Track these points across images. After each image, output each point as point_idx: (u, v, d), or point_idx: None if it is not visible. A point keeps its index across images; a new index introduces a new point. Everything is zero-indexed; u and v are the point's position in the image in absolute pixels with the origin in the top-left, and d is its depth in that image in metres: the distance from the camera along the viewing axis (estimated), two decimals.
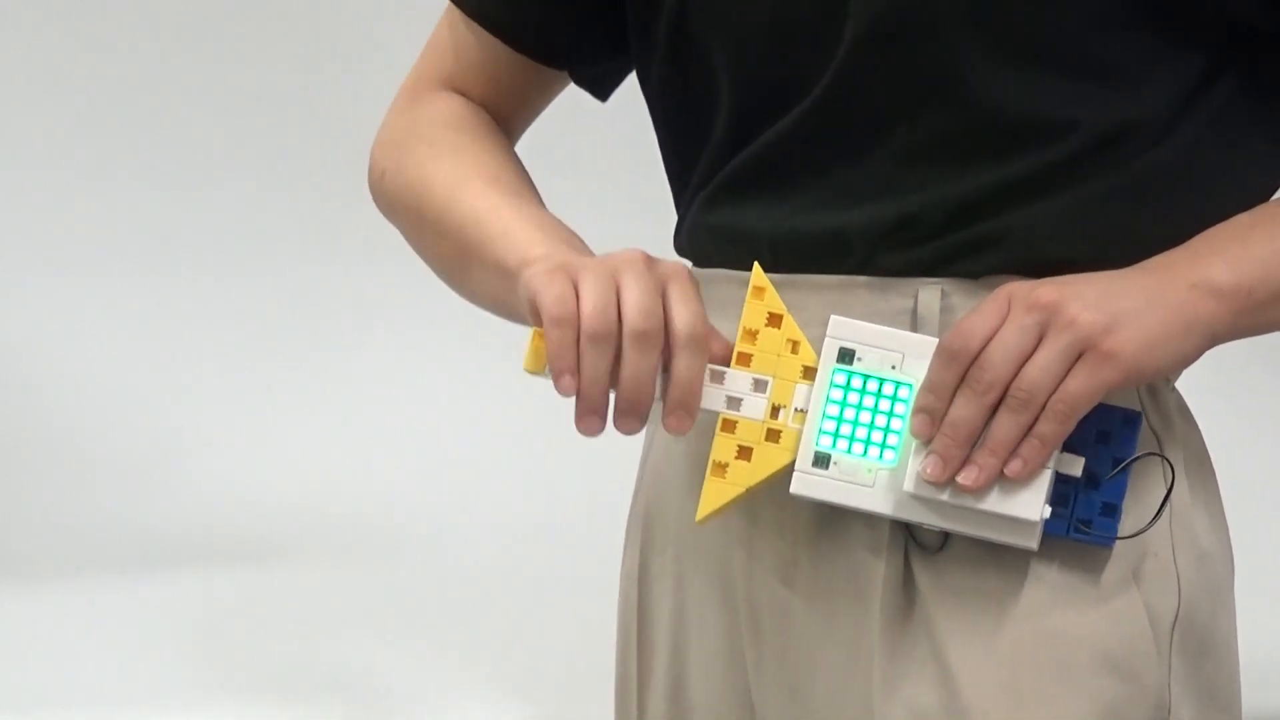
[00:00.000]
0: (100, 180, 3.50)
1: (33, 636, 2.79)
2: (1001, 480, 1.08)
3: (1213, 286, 1.11)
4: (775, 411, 1.12)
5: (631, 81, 1.32)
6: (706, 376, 1.11)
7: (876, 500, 1.11)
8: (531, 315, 1.11)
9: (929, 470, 1.09)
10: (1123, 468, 1.10)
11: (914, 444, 1.09)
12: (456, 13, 1.33)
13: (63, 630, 2.81)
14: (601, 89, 1.35)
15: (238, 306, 3.50)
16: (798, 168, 1.18)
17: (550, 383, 1.10)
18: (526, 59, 1.32)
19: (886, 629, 1.15)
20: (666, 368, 1.10)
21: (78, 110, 3.50)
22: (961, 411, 1.08)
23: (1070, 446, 1.09)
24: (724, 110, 1.21)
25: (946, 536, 1.14)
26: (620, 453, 1.33)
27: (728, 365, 1.12)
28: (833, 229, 1.17)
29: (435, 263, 1.29)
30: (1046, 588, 1.13)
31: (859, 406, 1.11)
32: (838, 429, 1.11)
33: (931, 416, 1.09)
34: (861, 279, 1.17)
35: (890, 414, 1.11)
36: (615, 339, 1.09)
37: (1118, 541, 1.11)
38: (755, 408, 1.12)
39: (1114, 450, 1.10)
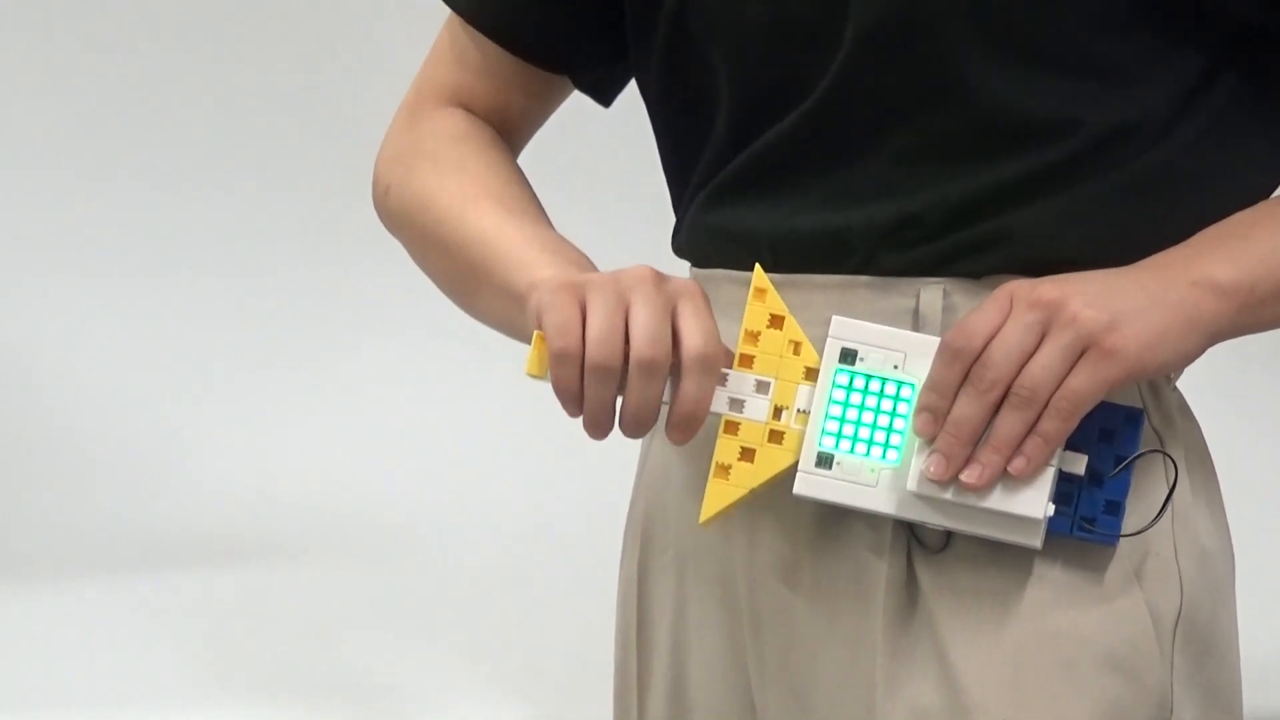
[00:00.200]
0: (100, 180, 3.50)
1: (33, 636, 2.78)
2: (1005, 478, 1.08)
3: (1214, 284, 1.11)
4: (778, 413, 1.12)
5: (629, 83, 1.32)
6: None
7: (880, 500, 1.11)
8: (539, 329, 1.11)
9: (933, 469, 1.09)
10: (1126, 465, 1.10)
11: (917, 443, 1.09)
12: (457, 21, 1.32)
13: (63, 630, 2.80)
14: (604, 93, 1.34)
15: (238, 306, 3.49)
16: (798, 168, 1.18)
17: (551, 384, 1.10)
18: (527, 64, 1.31)
19: (889, 629, 1.15)
20: (674, 374, 1.10)
21: (78, 110, 3.50)
22: (965, 410, 1.08)
23: (1073, 445, 1.09)
24: (724, 110, 1.21)
25: (949, 536, 1.14)
26: (620, 453, 1.32)
27: (730, 367, 1.12)
28: (834, 229, 1.17)
29: (441, 280, 1.28)
30: (1049, 587, 1.13)
31: (861, 407, 1.11)
32: (840, 429, 1.11)
33: (935, 415, 1.09)
34: (863, 279, 1.17)
35: (893, 414, 1.11)
36: (620, 370, 1.08)
37: (1120, 541, 1.11)
38: (758, 409, 1.12)
39: (1117, 448, 1.10)
